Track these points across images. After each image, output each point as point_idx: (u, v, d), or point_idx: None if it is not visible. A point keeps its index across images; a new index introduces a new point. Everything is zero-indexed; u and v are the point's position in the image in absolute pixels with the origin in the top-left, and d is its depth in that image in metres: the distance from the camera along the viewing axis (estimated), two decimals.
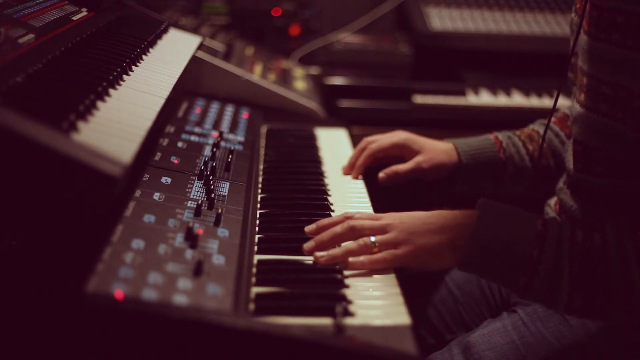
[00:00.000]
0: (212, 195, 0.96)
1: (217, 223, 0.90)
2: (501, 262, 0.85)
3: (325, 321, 0.76)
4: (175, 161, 1.05)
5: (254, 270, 0.86)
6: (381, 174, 1.19)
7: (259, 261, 0.88)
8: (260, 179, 1.15)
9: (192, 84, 1.43)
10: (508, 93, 1.82)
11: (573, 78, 1.10)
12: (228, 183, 1.04)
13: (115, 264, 0.73)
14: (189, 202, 0.93)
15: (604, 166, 0.93)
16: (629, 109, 0.86)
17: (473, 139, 1.23)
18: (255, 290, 0.81)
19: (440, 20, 1.95)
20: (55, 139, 0.67)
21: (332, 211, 1.05)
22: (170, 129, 1.19)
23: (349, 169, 1.22)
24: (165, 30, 1.34)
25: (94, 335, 0.68)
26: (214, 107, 1.38)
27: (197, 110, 1.33)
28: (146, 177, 0.96)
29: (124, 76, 0.98)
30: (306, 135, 1.41)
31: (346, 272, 0.88)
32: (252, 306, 0.78)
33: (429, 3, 2.01)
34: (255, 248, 0.92)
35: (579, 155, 0.97)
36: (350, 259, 0.88)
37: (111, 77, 0.92)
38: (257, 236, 0.95)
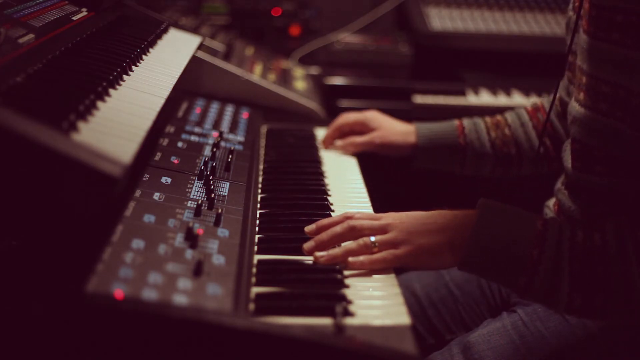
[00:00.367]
0: (212, 195, 0.96)
1: (217, 223, 0.90)
2: (501, 262, 0.85)
3: (325, 321, 0.76)
4: (175, 161, 1.05)
5: (254, 270, 0.86)
6: (339, 142, 1.35)
7: (259, 261, 0.88)
8: (260, 179, 1.15)
9: (192, 84, 1.43)
10: (508, 93, 1.82)
11: (571, 77, 1.10)
12: (228, 183, 1.04)
13: (115, 264, 0.73)
14: (189, 202, 0.93)
15: (603, 165, 0.93)
16: (628, 107, 0.86)
17: (436, 124, 1.34)
18: (255, 290, 0.81)
19: (440, 20, 1.95)
20: (55, 139, 0.67)
21: (332, 211, 1.05)
22: (170, 129, 1.19)
23: (325, 142, 1.37)
24: (165, 30, 1.34)
25: (94, 335, 0.68)
26: (214, 107, 1.38)
27: (197, 110, 1.33)
28: (146, 177, 0.96)
29: (124, 76, 0.98)
30: (306, 135, 1.41)
31: (346, 272, 0.88)
32: (252, 306, 0.78)
33: (429, 3, 2.01)
34: (255, 248, 0.92)
35: (578, 154, 0.97)
36: (350, 259, 0.88)
37: (111, 77, 0.92)
38: (257, 236, 0.95)
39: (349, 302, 0.81)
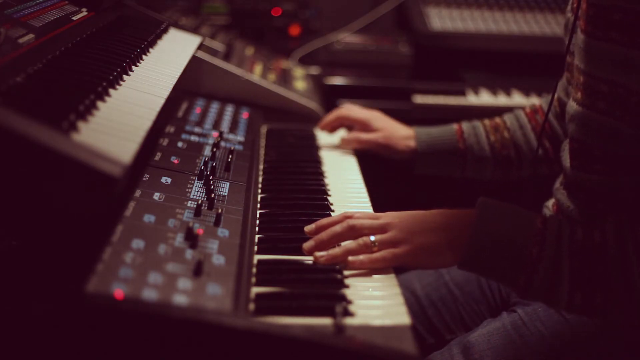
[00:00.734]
0: (212, 195, 0.96)
1: (217, 223, 0.90)
2: (501, 261, 0.85)
3: (325, 321, 0.76)
4: (175, 161, 1.05)
5: (254, 270, 0.86)
6: (344, 136, 1.36)
7: (259, 261, 0.88)
8: (260, 179, 1.15)
9: (192, 84, 1.43)
10: (508, 93, 1.82)
11: (570, 78, 1.10)
12: (228, 183, 1.04)
13: (115, 264, 0.73)
14: (189, 202, 0.93)
15: (601, 164, 0.93)
16: (627, 106, 0.86)
17: (435, 128, 1.33)
18: (255, 290, 0.81)
19: (440, 20, 1.95)
20: (55, 139, 0.67)
21: (332, 211, 1.05)
22: (170, 129, 1.19)
23: (322, 126, 1.39)
24: (165, 30, 1.34)
25: (94, 335, 0.68)
26: (214, 107, 1.38)
27: (197, 110, 1.33)
28: (146, 177, 0.96)
29: (124, 76, 0.98)
30: (306, 135, 1.41)
31: (346, 272, 0.88)
32: (252, 306, 0.78)
33: (429, 3, 2.01)
34: (255, 248, 0.92)
35: (576, 153, 0.97)
36: (350, 258, 0.88)
37: (111, 77, 0.92)
38: (257, 236, 0.95)
39: (349, 302, 0.81)
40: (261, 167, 1.20)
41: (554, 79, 1.11)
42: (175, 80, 1.06)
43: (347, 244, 0.90)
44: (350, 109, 1.39)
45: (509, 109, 1.37)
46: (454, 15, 1.98)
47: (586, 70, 0.92)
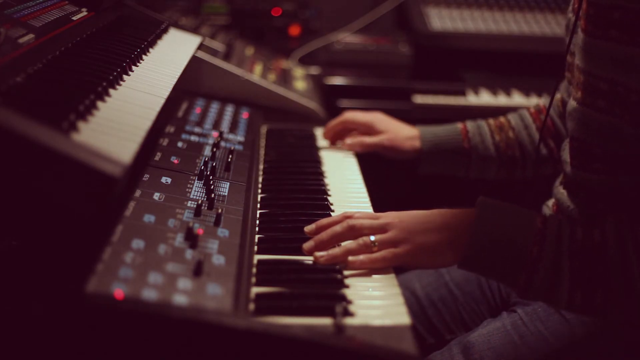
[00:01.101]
0: (212, 195, 0.96)
1: (217, 223, 0.90)
2: (501, 260, 0.85)
3: (325, 321, 0.76)
4: (175, 161, 1.05)
5: (254, 270, 0.86)
6: (348, 141, 1.34)
7: (259, 261, 0.88)
8: (260, 179, 1.15)
9: (192, 84, 1.42)
10: (508, 93, 1.82)
11: (570, 77, 1.10)
12: (228, 183, 1.04)
13: (115, 264, 0.73)
14: (189, 202, 0.93)
15: (601, 162, 0.93)
16: (627, 104, 0.87)
17: (440, 127, 1.32)
18: (255, 290, 0.81)
19: (440, 20, 1.95)
20: (55, 139, 0.67)
21: (332, 211, 1.05)
22: (170, 129, 1.19)
23: (325, 133, 1.38)
24: (165, 30, 1.34)
25: (94, 336, 0.68)
26: (214, 107, 1.38)
27: (197, 110, 1.33)
28: (146, 177, 0.96)
29: (124, 76, 0.98)
30: (306, 135, 1.41)
31: (346, 272, 0.88)
32: (252, 306, 0.78)
33: (429, 3, 2.01)
34: (255, 248, 0.92)
35: (576, 152, 0.97)
36: (350, 258, 0.88)
37: (111, 77, 0.92)
38: (257, 236, 0.95)
39: (349, 302, 0.81)
40: (261, 167, 1.20)
41: (554, 79, 1.11)
42: (175, 80, 1.06)
43: (347, 243, 0.90)
44: (353, 114, 1.38)
45: (509, 109, 1.37)
46: (454, 15, 1.98)
47: (586, 69, 0.93)
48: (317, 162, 1.26)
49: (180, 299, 0.71)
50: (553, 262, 0.83)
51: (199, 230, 0.86)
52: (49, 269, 0.70)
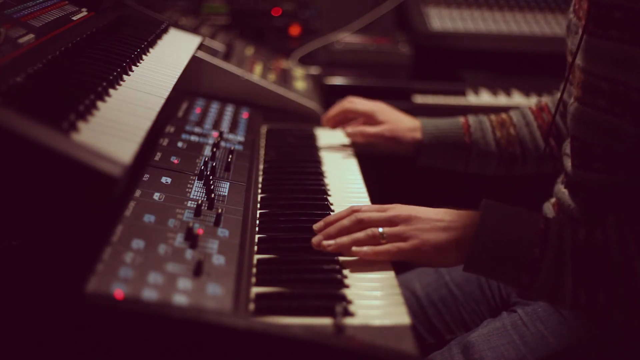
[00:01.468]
0: (212, 195, 0.96)
1: (217, 223, 0.90)
2: (504, 262, 0.85)
3: (325, 321, 0.76)
4: (175, 161, 1.05)
5: (254, 270, 0.86)
6: (348, 129, 1.34)
7: (259, 261, 0.88)
8: (260, 179, 1.15)
9: (192, 84, 1.43)
10: (508, 93, 1.82)
11: (571, 78, 1.10)
12: (228, 183, 1.04)
13: (115, 264, 0.73)
14: (189, 202, 0.93)
15: (602, 162, 0.93)
16: (628, 103, 0.87)
17: (442, 120, 1.32)
18: (255, 290, 0.81)
19: (440, 20, 1.95)
20: (55, 139, 0.67)
21: (332, 211, 1.05)
22: (170, 129, 1.19)
23: (325, 121, 1.38)
24: (165, 30, 1.34)
25: (94, 335, 0.68)
26: (214, 107, 1.38)
27: (197, 110, 1.33)
28: (146, 177, 0.96)
29: (124, 76, 0.98)
30: (306, 135, 1.41)
31: (346, 272, 0.88)
32: (252, 306, 0.78)
33: (429, 3, 2.01)
34: (255, 248, 0.92)
35: (577, 152, 0.97)
36: (354, 248, 0.89)
37: (111, 77, 0.92)
38: (257, 236, 0.95)
39: (349, 302, 0.81)
40: (261, 167, 1.20)
41: (554, 79, 1.11)
42: (175, 80, 1.06)
43: (355, 234, 0.91)
44: (354, 102, 1.38)
45: (509, 109, 1.37)
46: (454, 15, 1.98)
47: (587, 68, 0.93)
48: (317, 162, 1.26)
49: (180, 299, 0.71)
50: (555, 262, 0.83)
51: (199, 230, 0.86)
52: (49, 268, 0.70)
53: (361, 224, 0.91)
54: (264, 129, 1.40)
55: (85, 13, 1.16)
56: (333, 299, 0.80)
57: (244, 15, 2.06)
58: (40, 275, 0.69)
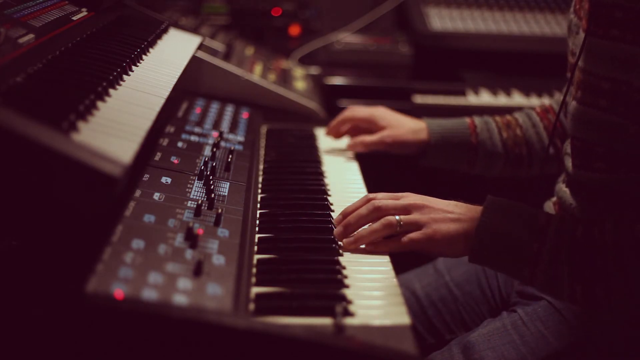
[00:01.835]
0: (212, 195, 0.96)
1: (217, 223, 0.90)
2: (506, 255, 0.88)
3: (325, 321, 0.76)
4: (175, 161, 1.05)
5: (254, 270, 0.86)
6: (348, 140, 1.32)
7: (259, 261, 0.88)
8: (260, 179, 1.15)
9: (192, 84, 1.43)
10: (508, 93, 1.82)
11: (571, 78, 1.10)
12: (228, 183, 1.04)
13: (115, 264, 0.73)
14: (189, 202, 0.93)
15: (603, 161, 0.94)
16: (630, 103, 0.87)
17: (448, 121, 1.31)
18: (255, 290, 0.81)
19: (440, 20, 1.95)
20: (55, 139, 0.67)
21: (332, 211, 1.05)
22: (170, 129, 1.19)
23: (328, 132, 1.37)
24: (165, 30, 1.34)
25: (94, 335, 0.68)
26: (214, 107, 1.38)
27: (197, 110, 1.33)
28: (146, 177, 0.96)
29: (124, 76, 0.98)
30: (306, 135, 1.41)
31: (346, 272, 0.88)
32: (252, 306, 0.78)
33: (429, 3, 2.01)
34: (255, 248, 0.92)
35: (578, 151, 0.98)
36: (365, 243, 0.92)
37: (111, 77, 0.92)
38: (257, 236, 0.95)
39: (349, 302, 0.81)
40: (261, 167, 1.20)
41: (554, 79, 1.11)
42: (175, 80, 1.06)
43: (373, 225, 0.93)
44: (354, 110, 1.37)
45: (509, 109, 1.37)
46: (454, 15, 1.98)
47: (588, 68, 0.93)
48: (317, 162, 1.26)
49: (180, 299, 0.71)
50: (553, 256, 0.85)
51: (199, 230, 0.86)
52: (49, 268, 0.70)
53: (378, 212, 0.94)
54: (264, 129, 1.40)
55: (85, 13, 1.16)
56: (333, 299, 0.80)
57: (244, 15, 2.06)
58: (40, 275, 0.69)
